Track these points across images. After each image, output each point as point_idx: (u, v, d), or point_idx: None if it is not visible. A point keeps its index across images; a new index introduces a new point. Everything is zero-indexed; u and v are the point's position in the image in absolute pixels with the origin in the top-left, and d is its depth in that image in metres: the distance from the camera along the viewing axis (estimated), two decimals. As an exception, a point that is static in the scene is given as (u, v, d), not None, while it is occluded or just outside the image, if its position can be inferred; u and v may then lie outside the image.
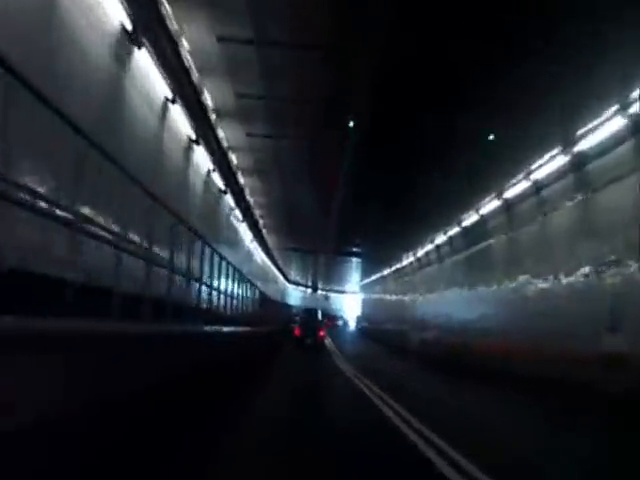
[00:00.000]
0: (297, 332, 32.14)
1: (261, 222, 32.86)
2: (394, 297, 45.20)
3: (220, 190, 20.56)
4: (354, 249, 45.97)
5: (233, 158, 20.82)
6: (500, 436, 8.75)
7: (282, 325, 35.66)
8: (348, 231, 35.53)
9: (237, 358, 13.54)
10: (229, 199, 22.40)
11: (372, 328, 55.02)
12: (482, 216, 22.52)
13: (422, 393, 15.27)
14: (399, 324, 39.94)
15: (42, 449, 3.32)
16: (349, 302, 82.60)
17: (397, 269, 42.71)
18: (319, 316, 34.84)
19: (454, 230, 26.62)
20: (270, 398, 11.63)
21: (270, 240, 39.11)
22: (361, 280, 65.07)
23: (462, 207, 23.74)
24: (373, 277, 55.19)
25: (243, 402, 9.97)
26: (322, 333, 32.73)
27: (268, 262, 45.21)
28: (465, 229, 25.14)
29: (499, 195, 20.18)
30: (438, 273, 30.83)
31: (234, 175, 21.87)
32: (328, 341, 38.20)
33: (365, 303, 67.08)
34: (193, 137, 15.48)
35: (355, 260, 52.62)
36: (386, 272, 47.32)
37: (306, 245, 42.28)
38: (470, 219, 23.94)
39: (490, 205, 21.34)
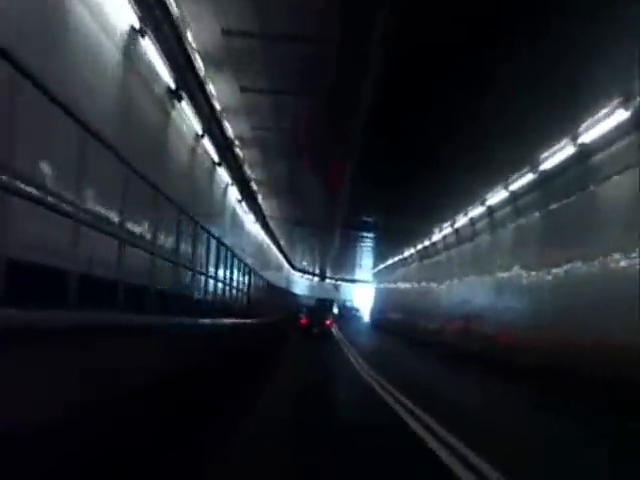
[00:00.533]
0: (304, 321, 31.36)
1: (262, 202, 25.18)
2: (418, 284, 37.31)
3: (171, 91, 12.60)
4: (367, 229, 37.72)
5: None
6: None
7: (287, 316, 32.28)
8: (360, 204, 27.79)
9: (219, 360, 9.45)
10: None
11: (389, 320, 47.25)
12: (581, 147, 14.56)
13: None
14: (426, 315, 32.15)
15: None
16: (360, 292, 76.09)
17: (424, 247, 34.80)
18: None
19: (523, 179, 18.65)
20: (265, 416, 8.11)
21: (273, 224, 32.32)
22: (374, 266, 57.07)
23: (545, 137, 15.75)
24: (390, 261, 47.21)
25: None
26: (329, 322, 32.23)
27: (272, 246, 37.81)
28: (544, 175, 17.17)
29: (626, 100, 12.24)
30: (490, 246, 22.92)
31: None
32: (339, 333, 35.03)
33: (380, 292, 59.08)
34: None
35: (368, 244, 44.16)
36: (408, 253, 39.41)
37: (313, 222, 34.90)
38: (560, 154, 15.86)
39: (605, 124, 13.35)
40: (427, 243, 33.46)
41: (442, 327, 27.26)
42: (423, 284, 35.68)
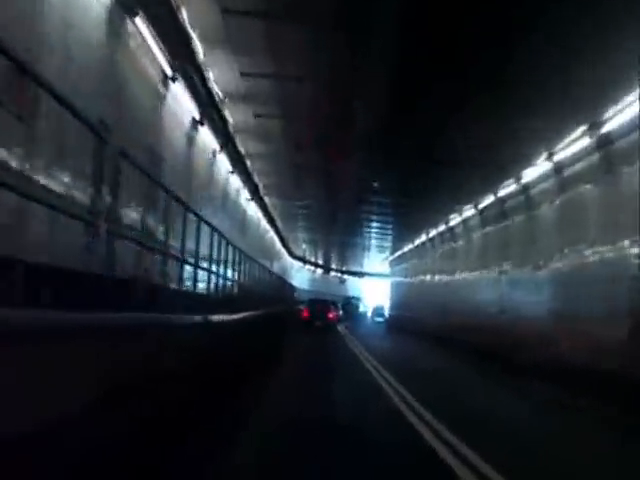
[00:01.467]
0: (305, 314, 31.29)
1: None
2: (470, 271, 26.41)
3: None
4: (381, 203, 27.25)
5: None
6: None
7: (283, 312, 26.27)
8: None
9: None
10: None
11: (414, 319, 36.78)
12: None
13: None
14: (489, 315, 21.67)
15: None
16: (369, 287, 66.71)
17: (476, 214, 24.32)
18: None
19: None
20: None
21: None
22: (392, 252, 46.69)
23: None
24: (417, 241, 36.57)
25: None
26: (332, 315, 32.11)
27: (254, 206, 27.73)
28: None
29: None
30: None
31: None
32: (354, 338, 28.54)
33: (399, 286, 48.40)
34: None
35: (383, 221, 33.63)
36: (456, 221, 28.03)
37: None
38: None
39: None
40: (481, 207, 22.92)
41: (548, 334, 16.24)
42: (479, 272, 24.71)
